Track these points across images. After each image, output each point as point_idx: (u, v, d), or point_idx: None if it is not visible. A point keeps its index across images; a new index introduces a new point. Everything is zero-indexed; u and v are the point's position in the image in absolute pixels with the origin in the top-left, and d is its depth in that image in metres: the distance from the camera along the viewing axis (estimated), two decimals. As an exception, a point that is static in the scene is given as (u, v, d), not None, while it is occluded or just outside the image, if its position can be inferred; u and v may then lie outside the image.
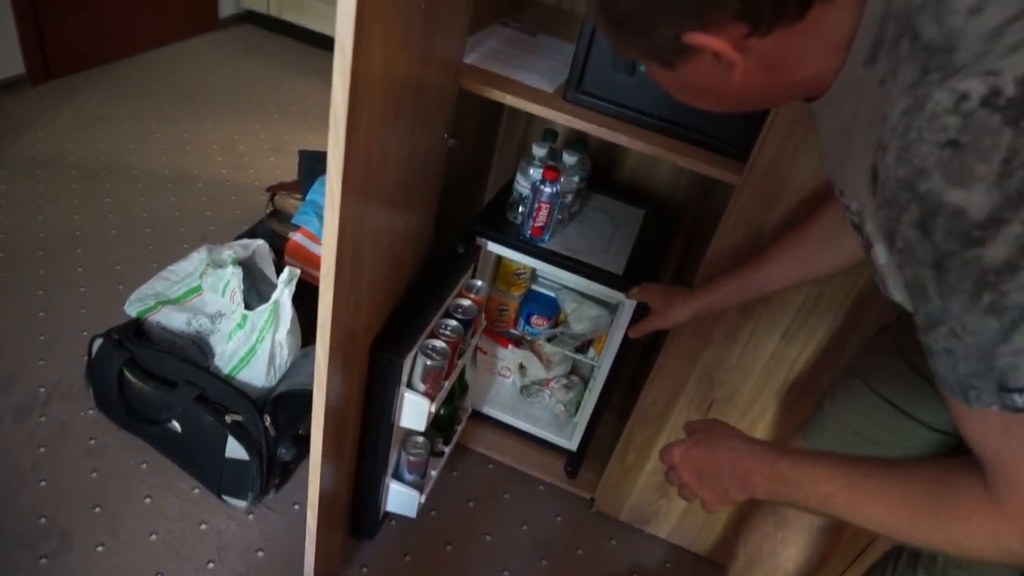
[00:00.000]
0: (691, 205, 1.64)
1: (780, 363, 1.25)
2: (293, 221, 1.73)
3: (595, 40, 1.14)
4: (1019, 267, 0.44)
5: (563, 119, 1.17)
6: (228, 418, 1.37)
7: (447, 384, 1.26)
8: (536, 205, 1.28)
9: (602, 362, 1.48)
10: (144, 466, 1.47)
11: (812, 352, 1.22)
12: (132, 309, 1.52)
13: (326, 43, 3.59)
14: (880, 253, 0.62)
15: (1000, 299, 0.46)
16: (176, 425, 1.41)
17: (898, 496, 0.57)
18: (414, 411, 1.20)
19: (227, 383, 1.41)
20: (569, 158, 1.35)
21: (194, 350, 1.50)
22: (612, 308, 1.50)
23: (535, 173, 1.30)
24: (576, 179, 1.38)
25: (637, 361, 1.76)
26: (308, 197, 1.75)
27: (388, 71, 0.82)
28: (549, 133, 1.38)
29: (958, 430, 0.54)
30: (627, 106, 1.18)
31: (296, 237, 1.69)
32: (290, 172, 2.11)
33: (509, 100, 1.18)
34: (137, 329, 1.50)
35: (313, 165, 1.81)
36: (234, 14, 3.58)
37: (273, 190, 1.86)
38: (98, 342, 1.47)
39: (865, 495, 0.59)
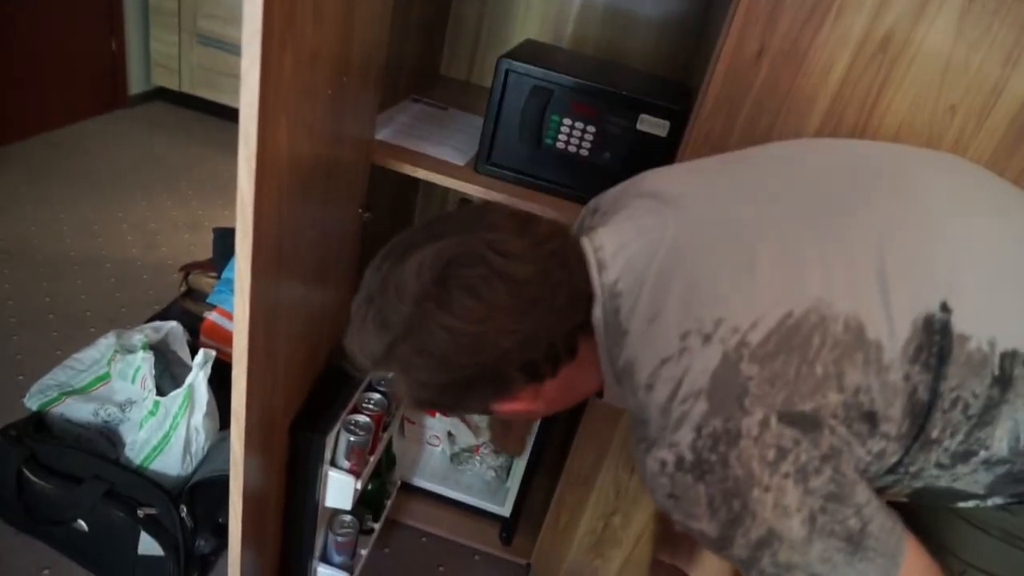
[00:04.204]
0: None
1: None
2: (208, 300, 1.69)
3: (502, 114, 1.19)
4: (758, 557, 0.58)
5: (475, 191, 1.21)
6: (140, 512, 1.30)
7: (373, 459, 1.24)
8: (454, 274, 1.30)
9: (531, 424, 1.49)
10: (47, 572, 1.36)
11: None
12: (33, 402, 1.44)
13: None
14: None
15: (762, 573, 0.59)
16: (83, 524, 1.32)
17: None
18: (339, 490, 1.17)
19: (138, 474, 1.34)
20: (484, 226, 1.38)
21: (102, 442, 1.42)
22: (536, 370, 1.52)
23: (452, 243, 1.33)
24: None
25: (566, 421, 1.77)
26: (224, 275, 1.71)
27: (295, 154, 0.83)
28: (465, 202, 1.42)
29: None
30: (535, 176, 1.23)
31: (212, 316, 1.64)
32: (205, 250, 2.07)
33: (421, 174, 1.21)
34: (38, 423, 1.41)
35: (228, 242, 1.78)
36: (144, 91, 3.54)
37: (187, 269, 1.81)
38: (-6, 441, 1.37)
39: None
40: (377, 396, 1.23)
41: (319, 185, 0.96)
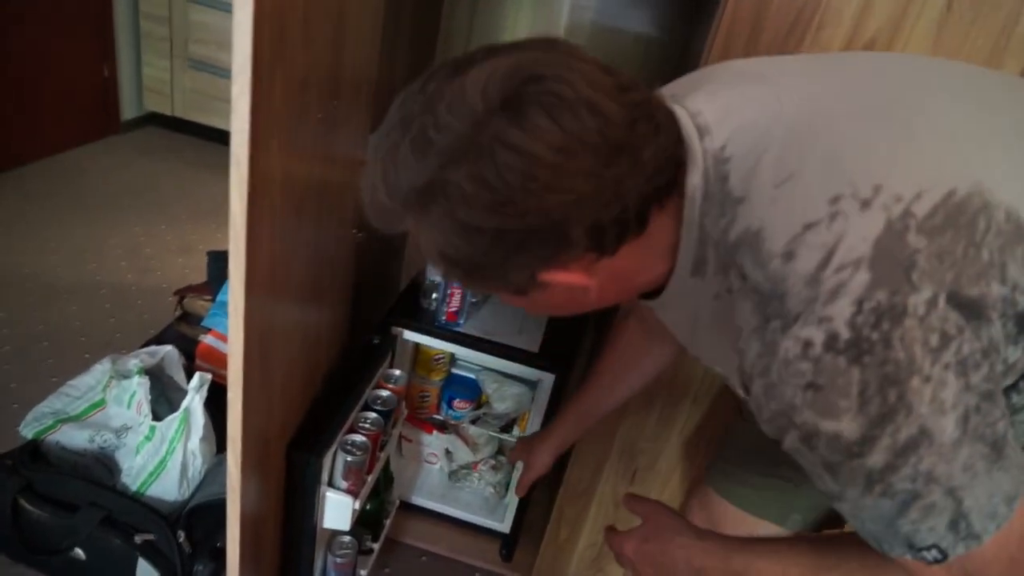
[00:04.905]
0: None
1: (693, 426, 1.30)
2: (204, 323, 1.69)
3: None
4: (898, 466, 0.50)
5: (467, 208, 1.21)
6: (137, 538, 1.29)
7: (371, 479, 1.24)
8: (449, 291, 1.31)
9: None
10: (44, 602, 1.35)
11: (721, 409, 1.27)
12: (28, 430, 1.43)
13: (234, 140, 3.60)
14: None
15: (889, 488, 0.51)
16: (80, 552, 1.31)
17: None
18: (337, 511, 1.16)
19: (135, 500, 1.33)
20: (477, 243, 1.39)
21: (99, 468, 1.41)
22: (532, 385, 1.52)
23: (445, 260, 1.34)
24: (486, 263, 1.42)
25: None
26: (218, 298, 1.71)
27: (287, 177, 0.84)
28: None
29: None
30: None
31: (207, 340, 1.64)
32: (200, 273, 2.07)
33: (413, 193, 1.21)
34: (34, 451, 1.40)
35: (222, 265, 1.78)
36: (137, 116, 3.55)
37: (181, 293, 1.81)
38: (-11, 470, 1.36)
39: None
40: (373, 415, 1.23)
41: (312, 206, 0.97)
